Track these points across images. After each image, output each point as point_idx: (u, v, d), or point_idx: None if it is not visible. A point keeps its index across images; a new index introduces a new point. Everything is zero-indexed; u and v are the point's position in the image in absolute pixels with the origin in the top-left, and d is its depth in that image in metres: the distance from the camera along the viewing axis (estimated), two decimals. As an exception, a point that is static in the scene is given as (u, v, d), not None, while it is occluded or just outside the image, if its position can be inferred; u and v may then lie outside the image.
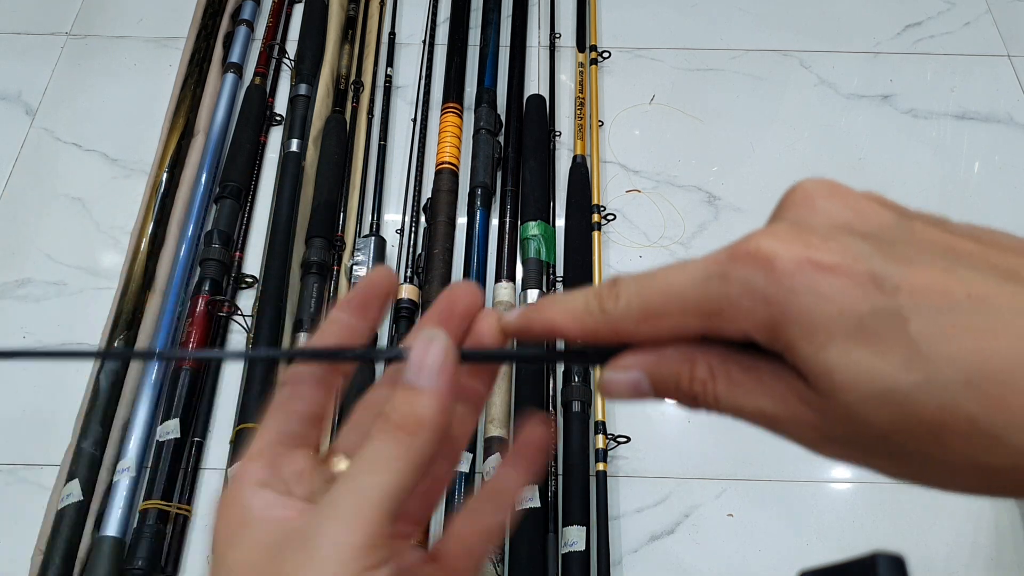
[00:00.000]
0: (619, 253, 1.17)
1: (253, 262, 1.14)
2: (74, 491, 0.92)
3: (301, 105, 1.25)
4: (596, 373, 1.03)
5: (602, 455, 0.96)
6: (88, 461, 0.94)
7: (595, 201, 1.18)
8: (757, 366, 0.22)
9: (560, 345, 0.26)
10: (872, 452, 0.21)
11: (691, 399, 0.23)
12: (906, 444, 0.20)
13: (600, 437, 0.97)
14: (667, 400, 0.24)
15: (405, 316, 1.06)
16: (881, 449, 0.21)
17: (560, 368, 1.03)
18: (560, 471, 0.96)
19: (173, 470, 0.95)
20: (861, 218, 0.22)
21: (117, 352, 1.08)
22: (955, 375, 0.19)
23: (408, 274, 1.11)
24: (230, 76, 1.31)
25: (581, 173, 1.20)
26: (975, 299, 0.19)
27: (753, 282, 0.21)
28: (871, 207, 0.23)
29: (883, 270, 0.20)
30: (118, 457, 0.97)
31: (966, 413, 0.19)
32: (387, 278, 0.29)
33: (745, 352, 0.22)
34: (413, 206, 1.18)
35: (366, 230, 1.16)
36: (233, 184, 1.17)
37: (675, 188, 1.23)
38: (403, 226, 1.17)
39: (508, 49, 1.34)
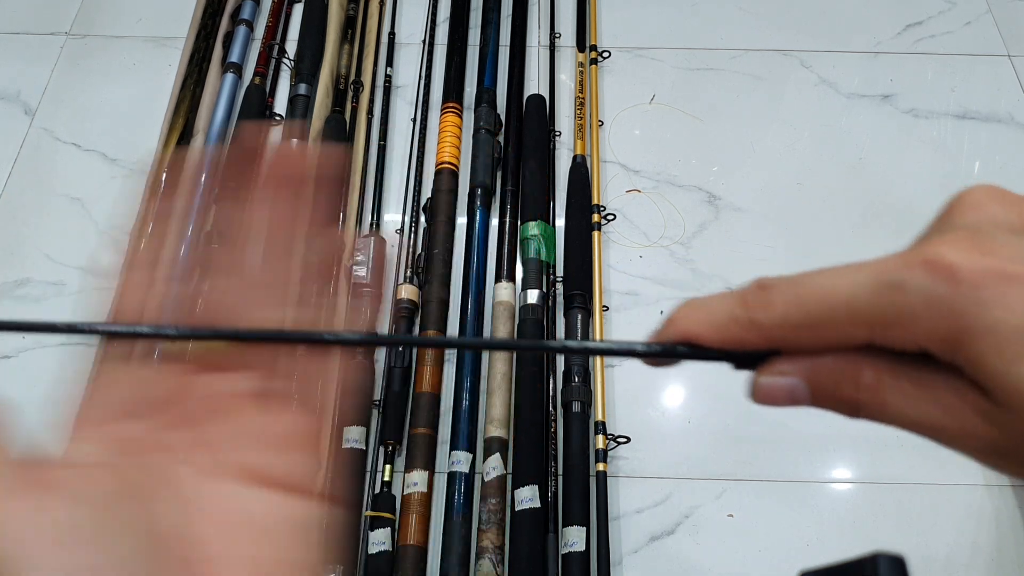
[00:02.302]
0: (619, 253, 1.17)
1: (253, 262, 1.14)
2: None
3: (301, 105, 1.25)
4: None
5: (602, 455, 0.96)
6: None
7: (595, 201, 1.18)
8: (925, 375, 0.21)
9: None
10: None
11: (853, 407, 0.22)
12: None
13: (600, 437, 0.97)
14: (824, 408, 0.23)
15: (405, 316, 1.06)
16: None
17: (560, 368, 1.03)
18: (560, 471, 0.96)
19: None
20: None
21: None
22: None
23: (408, 274, 1.11)
24: (230, 76, 1.31)
25: (581, 173, 1.20)
26: None
27: (935, 292, 0.20)
28: None
29: None
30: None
31: None
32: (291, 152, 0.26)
33: (911, 360, 0.21)
34: (413, 206, 1.17)
35: (366, 230, 1.16)
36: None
37: (675, 188, 1.23)
38: (403, 226, 1.17)
39: (508, 49, 1.34)
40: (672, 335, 0.24)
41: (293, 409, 0.25)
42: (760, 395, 0.23)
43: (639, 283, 1.15)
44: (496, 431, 0.97)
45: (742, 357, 0.23)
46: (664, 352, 0.24)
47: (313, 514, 0.24)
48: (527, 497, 0.92)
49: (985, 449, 0.21)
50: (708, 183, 1.24)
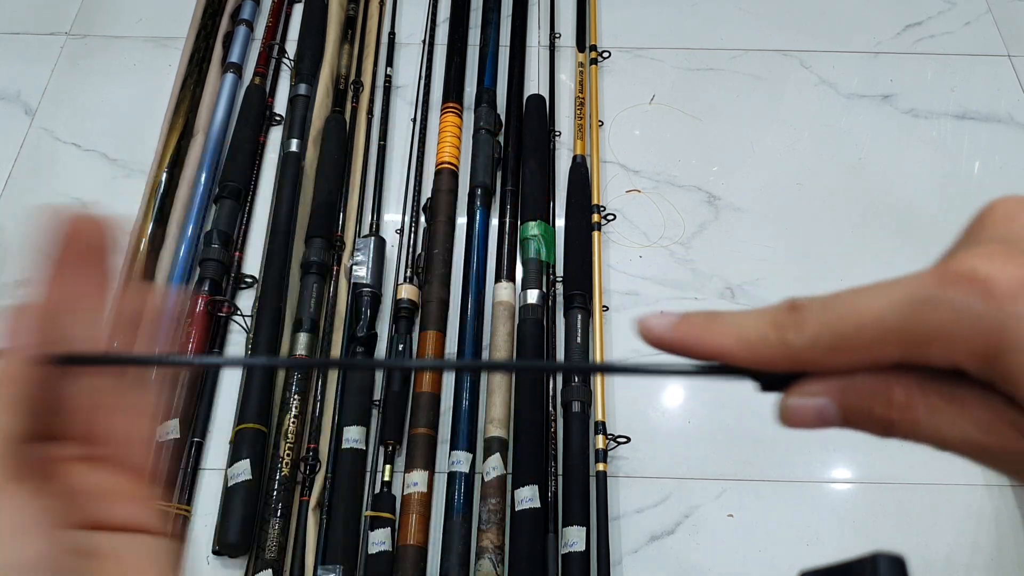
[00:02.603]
0: (619, 253, 1.17)
1: (253, 262, 1.14)
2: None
3: (301, 105, 1.25)
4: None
5: (602, 455, 0.96)
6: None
7: (595, 201, 1.18)
8: (959, 392, 0.21)
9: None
10: None
11: (886, 426, 0.22)
12: None
13: (600, 437, 0.97)
14: (855, 428, 0.23)
15: (405, 316, 1.06)
16: None
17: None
18: (560, 471, 0.96)
19: (173, 470, 0.95)
20: None
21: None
22: None
23: (408, 274, 1.11)
24: (230, 76, 1.31)
25: (581, 173, 1.20)
26: None
27: (970, 308, 0.19)
28: None
29: None
30: (118, 457, 0.97)
31: None
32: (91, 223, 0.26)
33: (944, 378, 0.21)
34: (413, 206, 1.17)
35: (366, 230, 1.16)
36: (233, 184, 1.17)
37: (675, 188, 1.23)
38: (403, 226, 1.17)
39: (508, 49, 1.34)
40: (695, 343, 0.23)
41: (119, 467, 0.27)
42: (789, 417, 0.23)
43: (639, 283, 1.15)
44: (496, 431, 0.97)
45: (771, 378, 0.23)
46: (693, 371, 0.24)
47: (159, 547, 0.27)
48: (527, 497, 0.92)
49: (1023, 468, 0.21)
50: (708, 183, 1.24)
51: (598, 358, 1.05)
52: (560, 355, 1.04)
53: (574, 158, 1.22)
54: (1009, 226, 0.21)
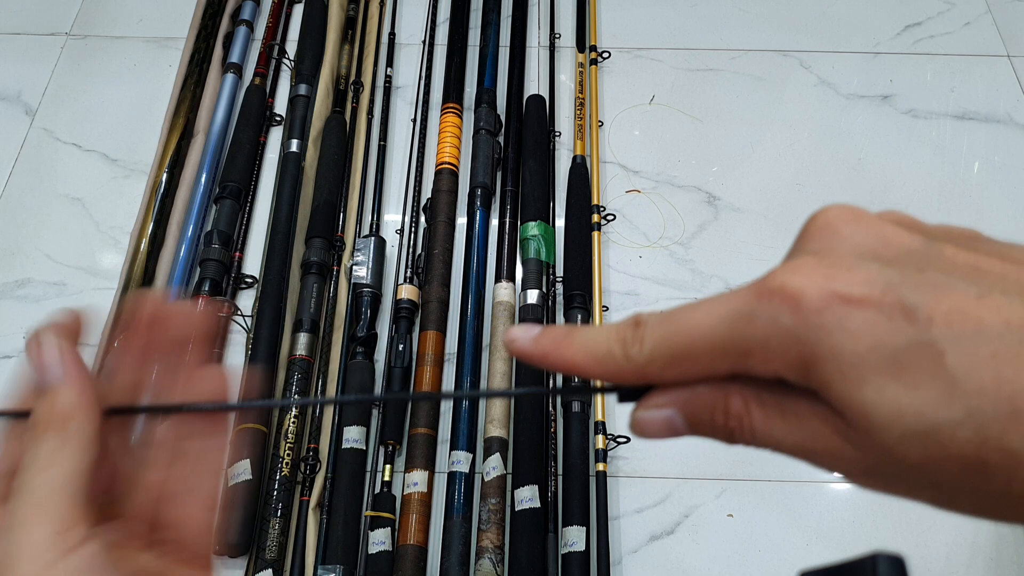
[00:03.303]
0: (619, 253, 1.17)
1: (253, 262, 1.14)
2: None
3: (301, 105, 1.25)
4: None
5: (602, 455, 0.96)
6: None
7: (595, 201, 1.18)
8: (790, 401, 0.22)
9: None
10: (915, 486, 0.21)
11: (727, 434, 0.23)
12: (949, 478, 0.19)
13: (600, 437, 0.97)
14: (702, 436, 0.23)
15: (405, 316, 1.06)
16: (923, 482, 0.20)
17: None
18: (560, 471, 0.96)
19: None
20: (887, 244, 0.21)
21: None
22: (996, 409, 0.18)
23: (408, 274, 1.11)
24: (230, 76, 1.31)
25: (581, 173, 1.20)
26: (1013, 326, 0.19)
27: (780, 321, 0.20)
28: (896, 232, 0.22)
29: (913, 299, 0.19)
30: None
31: (1009, 447, 0.18)
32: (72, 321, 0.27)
33: (776, 387, 0.22)
34: (413, 206, 1.18)
35: (366, 230, 1.16)
36: (233, 184, 1.17)
37: (675, 188, 1.23)
38: (403, 226, 1.17)
39: (508, 49, 1.34)
40: (553, 356, 0.24)
41: (181, 554, 0.27)
42: (638, 428, 0.24)
43: (639, 283, 1.15)
44: (496, 431, 0.97)
45: (624, 391, 0.24)
46: (552, 391, 0.25)
47: None
48: (527, 497, 0.92)
49: (854, 470, 0.21)
50: (708, 183, 1.24)
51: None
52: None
53: (574, 158, 1.22)
54: (824, 237, 0.22)
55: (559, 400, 1.00)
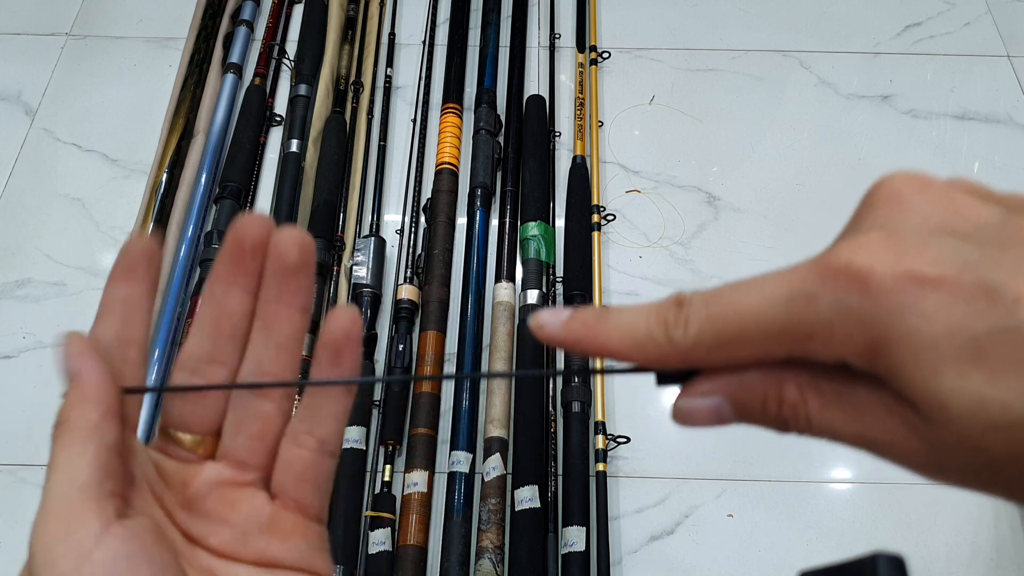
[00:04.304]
0: (619, 253, 1.17)
1: (253, 262, 1.14)
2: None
3: (301, 105, 1.25)
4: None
5: (602, 455, 0.96)
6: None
7: (595, 201, 1.18)
8: (850, 389, 0.20)
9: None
10: (992, 481, 0.19)
11: (780, 423, 0.21)
12: None
13: (600, 437, 0.97)
14: (750, 424, 0.22)
15: (405, 317, 1.06)
16: (1003, 478, 0.19)
17: (561, 368, 1.03)
18: (560, 471, 0.96)
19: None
20: (961, 217, 0.20)
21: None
22: None
23: (408, 274, 1.11)
24: (230, 76, 1.31)
25: (581, 173, 1.20)
26: None
27: (848, 303, 0.19)
28: (969, 203, 0.20)
29: (996, 279, 0.18)
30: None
31: None
32: (143, 243, 0.25)
33: (836, 373, 0.20)
34: (413, 206, 1.18)
35: (366, 230, 1.16)
36: (233, 184, 1.17)
37: (675, 188, 1.23)
38: (403, 226, 1.17)
39: (508, 49, 1.34)
40: (586, 339, 0.22)
41: (280, 496, 0.26)
42: (682, 417, 0.22)
43: (639, 283, 1.15)
44: (496, 431, 0.97)
45: (664, 374, 0.23)
46: (583, 371, 0.24)
47: None
48: (527, 497, 0.92)
49: (923, 464, 0.20)
50: (708, 183, 1.24)
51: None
52: (560, 356, 1.04)
53: (574, 158, 1.22)
54: (895, 210, 0.21)
55: (559, 400, 1.00)
